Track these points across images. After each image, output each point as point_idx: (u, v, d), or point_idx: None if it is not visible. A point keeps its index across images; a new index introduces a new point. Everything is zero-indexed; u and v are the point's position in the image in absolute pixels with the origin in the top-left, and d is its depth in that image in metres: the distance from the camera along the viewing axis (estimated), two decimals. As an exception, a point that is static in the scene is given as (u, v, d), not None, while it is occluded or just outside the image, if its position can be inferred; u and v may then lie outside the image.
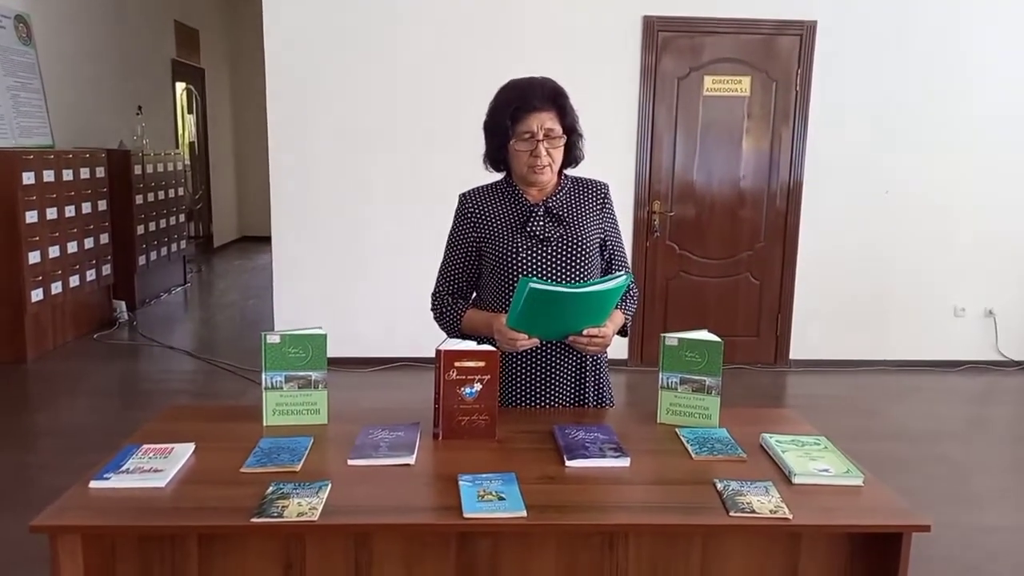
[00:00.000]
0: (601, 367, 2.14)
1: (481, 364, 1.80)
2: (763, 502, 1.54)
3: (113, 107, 7.14)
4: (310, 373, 1.91)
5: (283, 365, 1.89)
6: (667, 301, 5.35)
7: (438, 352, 1.80)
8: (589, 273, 2.03)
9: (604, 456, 1.72)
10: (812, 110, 5.15)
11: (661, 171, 5.21)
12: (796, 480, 1.64)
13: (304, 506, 1.47)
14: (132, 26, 7.68)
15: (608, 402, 2.16)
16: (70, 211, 5.57)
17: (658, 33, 5.03)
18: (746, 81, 5.13)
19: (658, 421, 1.97)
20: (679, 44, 5.08)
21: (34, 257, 5.18)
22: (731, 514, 1.50)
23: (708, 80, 5.12)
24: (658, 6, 4.99)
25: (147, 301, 6.91)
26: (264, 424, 1.89)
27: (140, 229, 6.67)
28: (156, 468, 1.62)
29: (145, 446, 1.72)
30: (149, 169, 6.86)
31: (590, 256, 2.04)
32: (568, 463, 1.70)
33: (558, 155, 2.01)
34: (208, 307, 7.42)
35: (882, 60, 5.12)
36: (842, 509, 1.55)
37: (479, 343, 1.86)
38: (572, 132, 2.02)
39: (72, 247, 5.61)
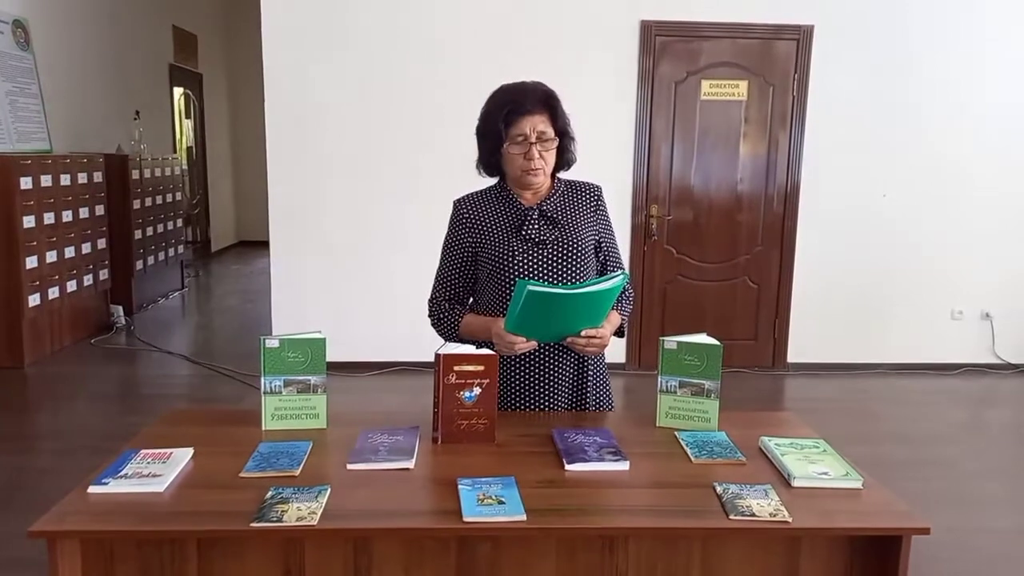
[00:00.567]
0: (600, 370, 2.15)
1: (480, 368, 1.80)
2: (763, 505, 1.54)
3: (111, 112, 7.14)
4: (309, 377, 1.91)
5: (282, 369, 1.89)
6: (665, 305, 5.35)
7: (437, 356, 1.80)
8: (585, 275, 2.04)
9: (603, 460, 1.72)
10: (809, 114, 5.16)
11: (659, 175, 5.22)
12: (795, 483, 1.64)
13: (303, 510, 1.47)
14: (130, 31, 7.68)
15: (608, 405, 2.16)
16: (67, 216, 5.56)
17: (655, 38, 5.04)
18: (743, 85, 5.14)
19: (657, 424, 1.97)
20: (676, 48, 5.09)
21: (32, 262, 5.17)
22: (731, 517, 1.50)
23: (705, 84, 5.14)
24: (655, 11, 5.00)
25: (145, 306, 6.90)
26: (263, 428, 1.89)
27: (138, 234, 6.66)
28: (155, 473, 1.61)
29: (144, 451, 1.72)
30: (147, 174, 6.86)
31: (585, 258, 2.04)
32: (568, 467, 1.70)
33: (551, 158, 2.02)
34: (206, 312, 7.42)
35: (879, 64, 5.14)
36: (842, 512, 1.55)
37: (476, 347, 1.87)
38: (564, 135, 2.03)
39: (70, 252, 5.61)
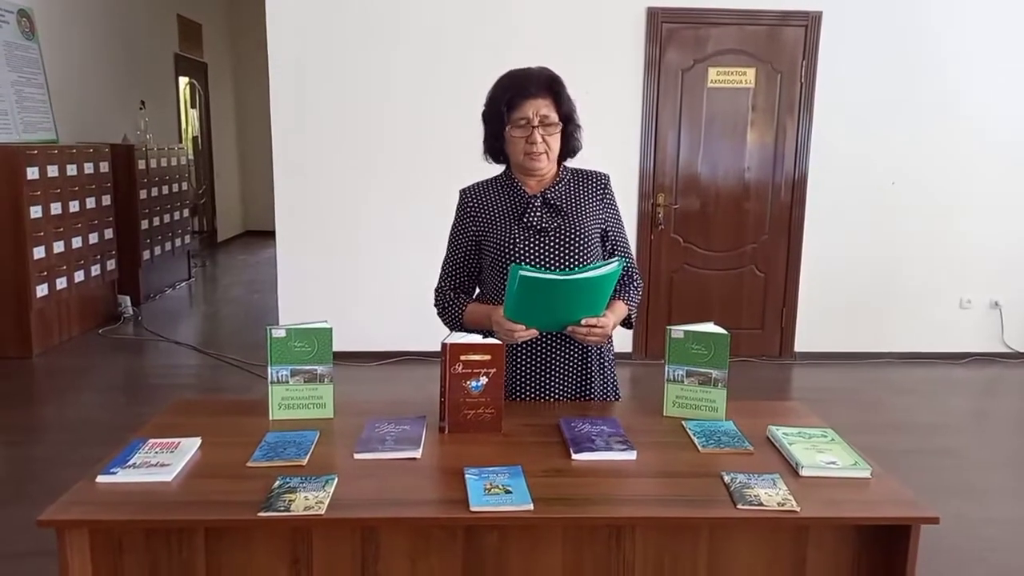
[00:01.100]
0: (606, 360, 2.14)
1: (487, 357, 1.80)
2: (770, 495, 1.53)
3: (116, 102, 7.14)
4: (316, 367, 1.91)
5: (289, 359, 1.89)
6: (671, 294, 5.34)
7: (444, 345, 1.80)
8: (588, 264, 2.02)
9: (610, 449, 1.71)
10: (817, 101, 5.12)
11: (665, 163, 5.19)
12: (803, 472, 1.64)
13: (311, 500, 1.47)
14: (135, 20, 7.67)
15: (614, 395, 2.16)
16: (74, 206, 5.57)
17: (662, 25, 5.01)
18: (751, 73, 5.11)
19: (664, 414, 1.97)
20: (683, 36, 5.05)
21: (39, 252, 5.18)
22: (738, 507, 1.50)
23: (712, 72, 5.10)
24: (662, -3, 4.97)
25: (152, 296, 6.92)
26: (270, 418, 1.89)
27: (144, 224, 6.67)
28: (162, 463, 1.62)
29: (151, 441, 1.72)
30: (153, 164, 6.86)
31: (588, 247, 2.03)
32: (574, 456, 1.69)
33: (554, 143, 2.00)
34: (213, 302, 7.44)
35: (887, 51, 5.09)
36: (850, 501, 1.55)
37: (482, 336, 1.86)
38: (569, 121, 2.02)
39: (76, 242, 5.62)
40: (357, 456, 1.68)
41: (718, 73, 5.11)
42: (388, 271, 5.11)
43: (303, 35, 4.92)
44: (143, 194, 6.66)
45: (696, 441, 1.80)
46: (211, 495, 1.52)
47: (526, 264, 1.96)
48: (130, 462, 1.62)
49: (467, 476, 1.58)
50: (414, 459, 1.68)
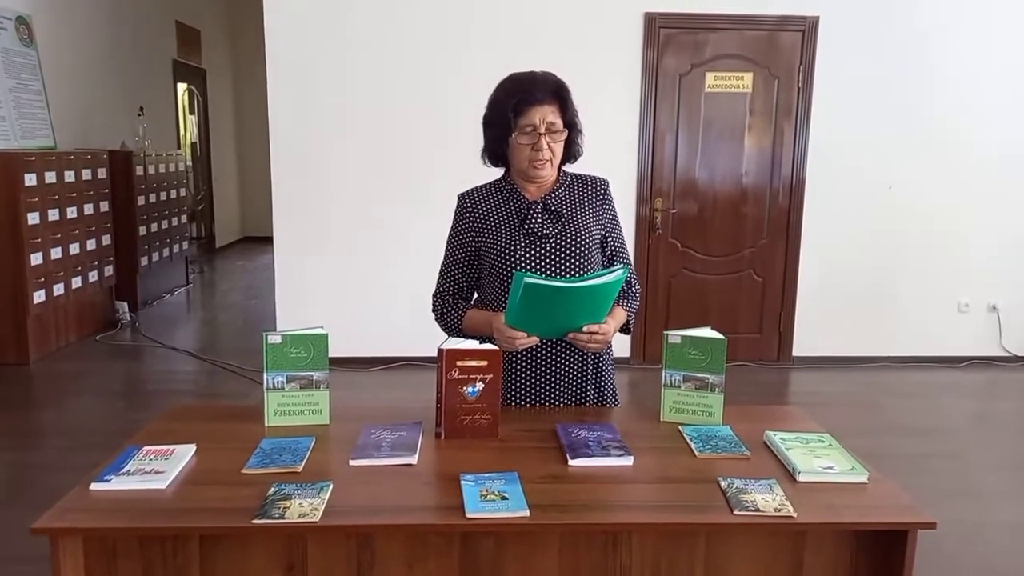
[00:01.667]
0: (604, 365, 2.13)
1: (483, 363, 1.79)
2: (767, 500, 1.53)
3: (115, 108, 7.14)
4: (311, 373, 1.90)
5: (284, 365, 1.89)
6: (669, 298, 5.34)
7: (440, 351, 1.79)
8: (589, 270, 2.01)
9: (607, 455, 1.71)
10: (814, 106, 5.13)
11: (663, 168, 5.20)
12: (800, 478, 1.63)
13: (306, 507, 1.47)
14: (133, 27, 7.67)
15: (612, 401, 2.15)
16: (72, 212, 5.57)
17: (659, 30, 5.02)
18: (748, 77, 5.11)
19: (661, 419, 1.96)
20: (681, 40, 5.06)
21: (36, 259, 5.18)
22: (735, 512, 1.49)
23: (710, 76, 5.11)
24: (659, 3, 4.97)
25: (149, 302, 6.91)
26: (266, 424, 1.89)
27: (142, 230, 6.67)
28: (157, 470, 1.61)
29: (146, 447, 1.72)
30: (151, 170, 6.86)
31: (589, 253, 2.02)
32: (571, 462, 1.69)
33: (559, 149, 2.00)
34: (210, 308, 7.43)
35: (884, 55, 5.10)
36: (847, 507, 1.54)
37: (480, 343, 1.86)
38: (572, 127, 2.01)
39: (74, 248, 5.61)
40: (353, 462, 1.68)
41: (715, 78, 5.12)
42: (386, 277, 5.11)
43: (301, 41, 4.92)
44: (141, 200, 6.65)
45: (693, 446, 1.79)
46: (206, 502, 1.51)
47: (529, 271, 1.95)
48: (124, 469, 1.62)
49: (463, 482, 1.57)
50: (410, 465, 1.67)
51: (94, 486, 1.56)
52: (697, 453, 1.76)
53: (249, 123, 10.66)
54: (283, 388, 1.89)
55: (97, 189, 5.93)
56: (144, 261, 6.72)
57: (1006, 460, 3.96)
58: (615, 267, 1.98)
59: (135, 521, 1.46)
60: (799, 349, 5.40)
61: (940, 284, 5.38)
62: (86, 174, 5.77)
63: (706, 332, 1.94)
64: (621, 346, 4.92)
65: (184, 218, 7.73)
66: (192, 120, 9.80)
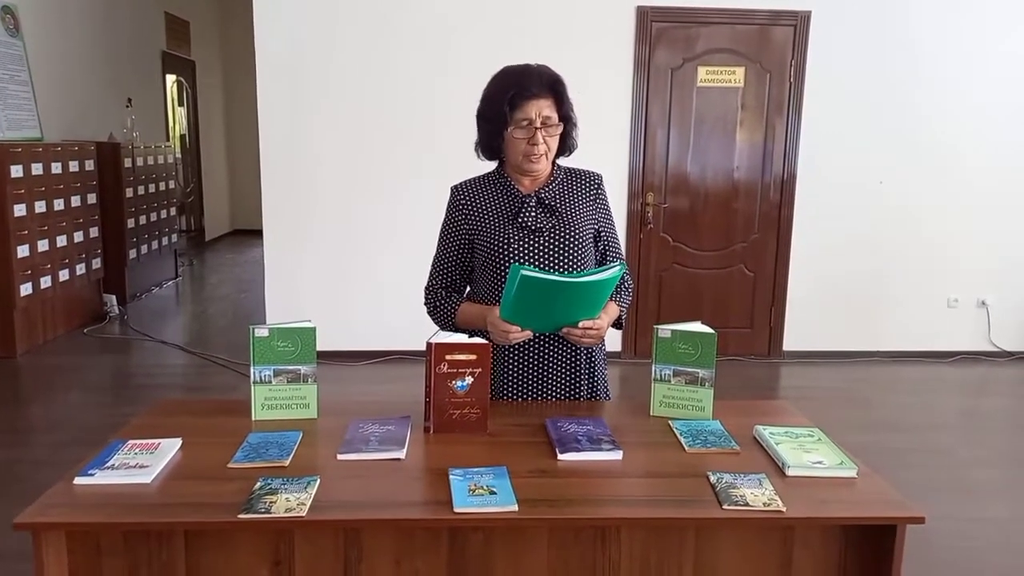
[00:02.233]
0: (597, 360, 2.12)
1: (472, 357, 1.78)
2: (756, 495, 1.52)
3: (103, 99, 7.08)
4: (299, 367, 1.88)
5: (272, 359, 1.87)
6: (660, 293, 5.34)
7: (429, 345, 1.78)
8: (581, 264, 2.01)
9: (596, 449, 1.70)
10: (806, 101, 5.13)
11: (655, 163, 5.19)
12: (790, 472, 1.63)
13: (292, 502, 1.45)
14: (122, 17, 7.60)
15: (604, 395, 2.14)
16: (59, 204, 5.52)
17: (651, 24, 5.00)
18: (740, 72, 5.11)
19: (651, 414, 1.96)
20: (673, 35, 5.05)
21: (23, 251, 5.13)
22: (724, 507, 1.49)
23: (702, 71, 5.10)
24: (651, -4, 4.96)
25: (138, 295, 6.87)
26: (253, 418, 1.87)
27: (131, 222, 6.62)
28: (142, 464, 1.59)
29: (131, 442, 1.70)
30: (139, 162, 6.81)
31: (582, 247, 2.01)
32: (560, 456, 1.68)
33: (554, 143, 1.99)
34: (200, 301, 7.39)
35: (876, 50, 5.10)
36: (836, 501, 1.54)
37: (470, 336, 1.85)
38: (567, 121, 2.00)
39: (62, 241, 5.57)
40: (340, 457, 1.66)
41: (707, 72, 5.11)
42: (375, 270, 5.09)
43: (291, 32, 4.89)
44: (129, 192, 6.60)
45: (683, 441, 1.79)
46: (191, 497, 1.50)
47: (519, 263, 1.94)
48: (109, 463, 1.60)
49: (451, 477, 1.56)
50: (398, 460, 1.66)
51: (78, 480, 1.54)
52: (687, 448, 1.75)
53: (239, 116, 10.59)
54: (270, 382, 1.88)
55: (84, 181, 5.88)
56: (132, 254, 6.68)
57: (995, 456, 3.98)
58: (612, 264, 1.98)
59: (119, 516, 1.44)
60: (790, 344, 5.41)
61: (930, 280, 5.40)
62: (73, 166, 5.72)
63: (696, 326, 1.94)
64: (612, 340, 4.89)
65: (173, 211, 7.67)
66: (181, 112, 9.73)
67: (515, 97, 1.92)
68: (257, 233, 5.82)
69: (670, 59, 5.07)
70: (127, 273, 6.62)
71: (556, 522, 1.51)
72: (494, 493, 1.50)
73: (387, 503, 1.50)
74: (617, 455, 1.69)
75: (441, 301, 2.08)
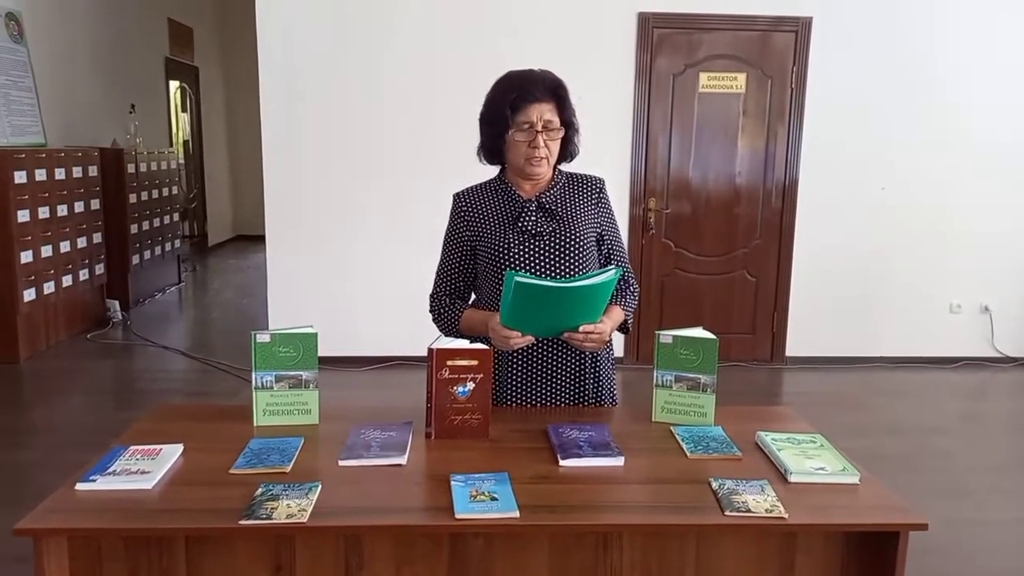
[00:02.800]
0: (602, 365, 2.11)
1: (474, 363, 1.78)
2: (759, 501, 1.52)
3: (106, 105, 7.10)
4: (301, 372, 1.89)
5: (273, 364, 1.87)
6: (662, 298, 5.33)
7: (430, 351, 1.78)
8: (583, 268, 2.01)
9: (598, 455, 1.70)
10: (807, 106, 5.13)
11: (656, 168, 5.19)
12: (792, 479, 1.62)
13: (294, 507, 1.45)
14: (125, 23, 7.63)
15: (610, 400, 2.13)
16: (63, 210, 5.53)
17: (653, 30, 5.01)
18: (741, 78, 5.11)
19: (653, 419, 1.95)
20: (674, 41, 5.06)
21: (26, 256, 5.14)
22: (726, 513, 1.48)
23: (703, 77, 5.10)
24: (653, 3, 4.96)
25: (141, 300, 6.87)
26: (254, 424, 1.87)
27: (134, 228, 6.63)
28: (143, 470, 1.59)
29: (133, 447, 1.70)
30: (143, 168, 6.82)
31: (583, 251, 2.01)
32: (562, 462, 1.68)
33: (555, 148, 1.99)
34: (202, 306, 7.39)
35: (877, 56, 5.11)
36: (838, 508, 1.54)
37: (473, 342, 1.84)
38: (569, 126, 2.01)
39: (65, 246, 5.58)
40: (342, 463, 1.66)
41: (709, 78, 5.11)
42: (378, 275, 5.09)
43: (294, 38, 4.90)
44: (133, 198, 6.61)
45: (684, 447, 1.78)
46: (192, 503, 1.50)
47: (522, 270, 1.94)
48: (110, 469, 1.60)
49: (453, 483, 1.56)
50: (399, 466, 1.66)
51: (79, 486, 1.54)
52: (688, 454, 1.75)
53: (242, 121, 10.61)
54: (272, 387, 1.88)
55: (88, 187, 5.89)
56: (136, 259, 6.68)
57: (998, 461, 3.97)
58: (608, 268, 1.98)
59: (120, 522, 1.44)
60: (792, 349, 5.40)
61: (933, 285, 5.38)
62: (77, 171, 5.73)
63: (698, 332, 1.94)
64: (615, 346, 4.91)
65: (176, 216, 7.69)
66: (184, 118, 9.76)
67: (517, 100, 1.93)
68: (260, 239, 5.82)
69: (672, 65, 5.08)
70: (130, 278, 6.62)
71: (558, 528, 1.50)
72: (495, 499, 1.50)
73: (388, 509, 1.50)
74: (619, 461, 1.69)
75: (445, 308, 2.08)
